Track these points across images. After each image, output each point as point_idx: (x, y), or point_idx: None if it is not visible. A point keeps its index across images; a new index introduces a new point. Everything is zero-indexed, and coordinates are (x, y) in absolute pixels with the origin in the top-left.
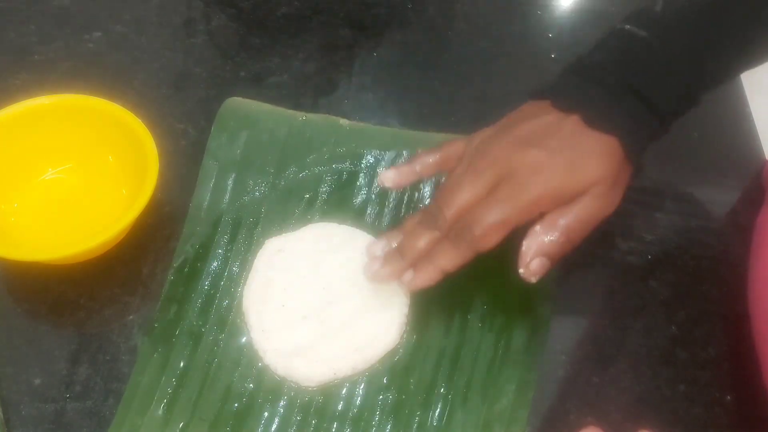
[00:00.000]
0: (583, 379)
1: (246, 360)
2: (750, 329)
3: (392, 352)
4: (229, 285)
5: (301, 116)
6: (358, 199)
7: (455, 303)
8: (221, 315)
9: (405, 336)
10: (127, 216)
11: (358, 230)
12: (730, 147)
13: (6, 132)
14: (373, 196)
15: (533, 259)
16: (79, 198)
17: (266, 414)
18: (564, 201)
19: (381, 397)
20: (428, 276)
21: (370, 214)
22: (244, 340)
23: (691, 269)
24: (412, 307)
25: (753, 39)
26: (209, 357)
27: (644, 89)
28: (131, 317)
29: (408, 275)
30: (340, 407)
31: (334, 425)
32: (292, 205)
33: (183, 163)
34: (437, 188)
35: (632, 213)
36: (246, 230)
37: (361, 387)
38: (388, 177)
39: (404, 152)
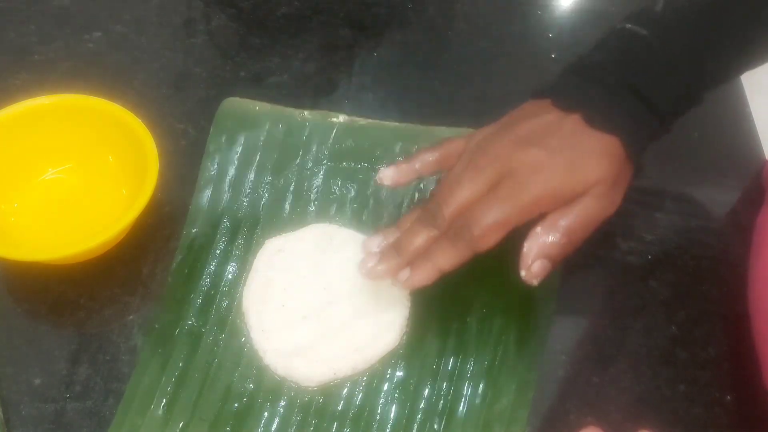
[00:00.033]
0: (583, 379)
1: (246, 360)
2: (750, 329)
3: (392, 352)
4: (229, 285)
5: (300, 114)
6: (358, 199)
7: (455, 303)
8: (221, 315)
9: (405, 336)
10: (127, 216)
11: (357, 230)
12: (730, 147)
13: (6, 132)
14: (373, 194)
15: (534, 261)
16: (79, 198)
17: (266, 414)
18: (564, 201)
19: (381, 397)
20: (425, 275)
21: (370, 213)
22: (244, 340)
23: (691, 269)
24: (412, 308)
25: (753, 39)
26: (209, 357)
27: (644, 89)
28: (131, 317)
29: (404, 273)
30: (340, 407)
31: (334, 425)
32: (292, 204)
33: (183, 163)
34: (436, 184)
35: (632, 213)
36: (246, 230)
37: (361, 387)
38: (387, 175)
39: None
